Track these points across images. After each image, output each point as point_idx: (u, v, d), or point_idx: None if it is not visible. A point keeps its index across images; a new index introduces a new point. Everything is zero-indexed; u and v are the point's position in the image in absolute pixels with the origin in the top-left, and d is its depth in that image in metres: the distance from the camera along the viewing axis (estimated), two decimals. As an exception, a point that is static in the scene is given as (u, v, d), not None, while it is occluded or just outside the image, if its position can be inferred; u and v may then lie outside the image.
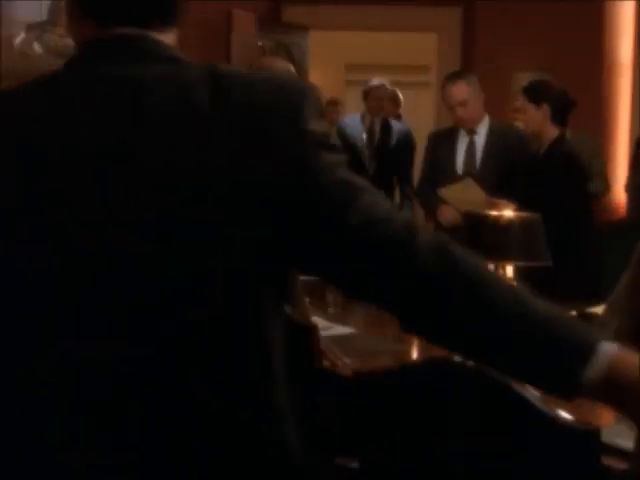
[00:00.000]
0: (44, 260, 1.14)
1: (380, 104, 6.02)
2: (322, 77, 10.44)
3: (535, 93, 4.29)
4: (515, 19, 6.54)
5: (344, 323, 3.23)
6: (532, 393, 1.36)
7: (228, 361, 1.17)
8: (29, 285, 1.15)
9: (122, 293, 1.14)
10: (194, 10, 5.28)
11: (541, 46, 6.39)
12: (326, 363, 2.56)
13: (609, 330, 1.38)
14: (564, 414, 1.32)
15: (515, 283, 3.37)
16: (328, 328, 3.15)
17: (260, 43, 5.90)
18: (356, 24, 7.25)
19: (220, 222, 1.14)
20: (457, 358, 1.45)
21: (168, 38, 1.29)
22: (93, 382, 1.15)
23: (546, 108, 4.16)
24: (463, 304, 1.13)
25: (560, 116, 4.21)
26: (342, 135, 5.96)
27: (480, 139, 4.41)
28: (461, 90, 4.35)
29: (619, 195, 6.28)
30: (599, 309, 2.56)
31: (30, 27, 5.64)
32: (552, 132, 4.21)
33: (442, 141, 4.52)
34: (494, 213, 3.35)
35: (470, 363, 1.44)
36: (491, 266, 3.29)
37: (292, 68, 3.12)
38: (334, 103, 9.73)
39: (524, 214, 3.42)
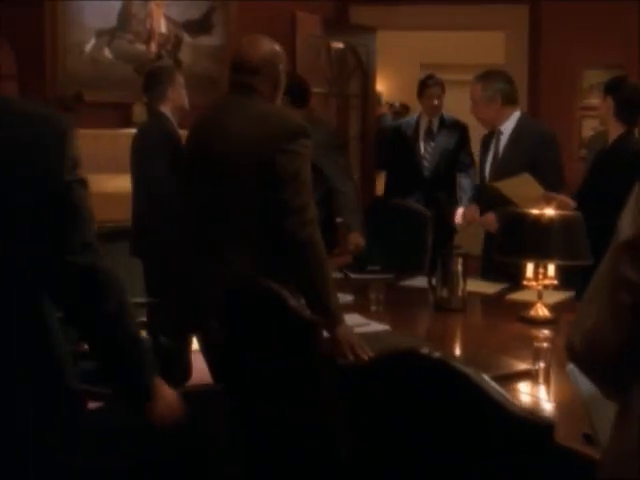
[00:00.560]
0: None
1: (435, 103, 5.88)
2: (397, 77, 10.49)
3: (605, 87, 4.25)
4: (583, 16, 6.44)
5: (384, 321, 3.26)
6: (490, 384, 1.38)
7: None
8: None
9: None
10: (258, 13, 5.40)
11: (610, 43, 6.27)
12: (351, 357, 2.61)
13: (581, 330, 1.38)
14: (519, 405, 1.33)
15: (556, 281, 3.38)
16: (364, 325, 3.18)
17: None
18: (424, 24, 7.24)
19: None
20: (424, 350, 1.48)
21: None
22: None
23: (610, 102, 4.08)
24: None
25: (626, 112, 4.10)
26: (402, 138, 5.91)
27: (504, 139, 4.43)
28: (475, 91, 4.37)
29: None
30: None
31: (100, 33, 5.83)
32: (617, 128, 4.13)
33: (485, 142, 4.57)
34: (534, 212, 3.32)
35: (435, 354, 1.46)
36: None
37: (276, 47, 3.12)
38: (405, 108, 9.74)
39: (565, 213, 3.38)
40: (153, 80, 4.44)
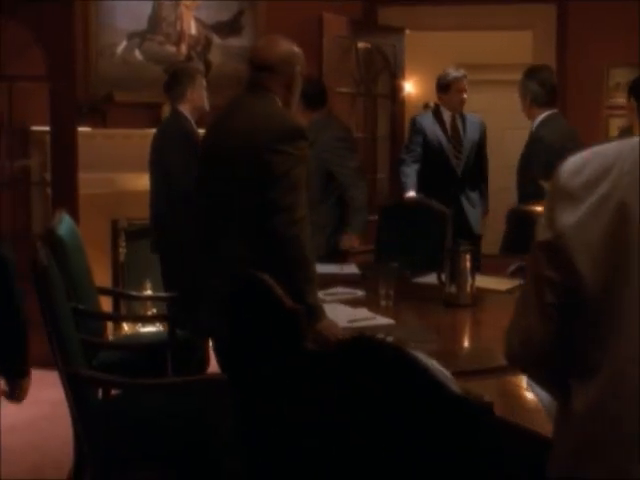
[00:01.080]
0: None
1: (462, 97, 5.75)
2: (432, 77, 10.50)
3: (628, 87, 4.29)
4: (609, 15, 6.43)
5: (392, 316, 3.34)
6: (436, 367, 1.46)
7: None
8: None
9: None
10: (286, 14, 5.51)
11: (636, 41, 6.25)
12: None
13: (516, 331, 1.42)
14: (459, 387, 1.41)
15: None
16: (370, 319, 3.27)
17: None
18: (452, 24, 7.27)
19: None
20: (380, 335, 1.56)
21: None
22: None
23: (633, 102, 4.10)
24: None
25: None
26: (423, 135, 5.88)
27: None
28: None
29: None
30: None
31: (131, 35, 5.99)
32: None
33: None
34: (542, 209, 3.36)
35: (389, 339, 1.55)
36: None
37: (294, 48, 3.19)
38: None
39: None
40: (174, 80, 4.57)
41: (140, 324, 5.70)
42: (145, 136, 5.83)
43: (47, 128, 5.48)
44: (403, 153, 5.95)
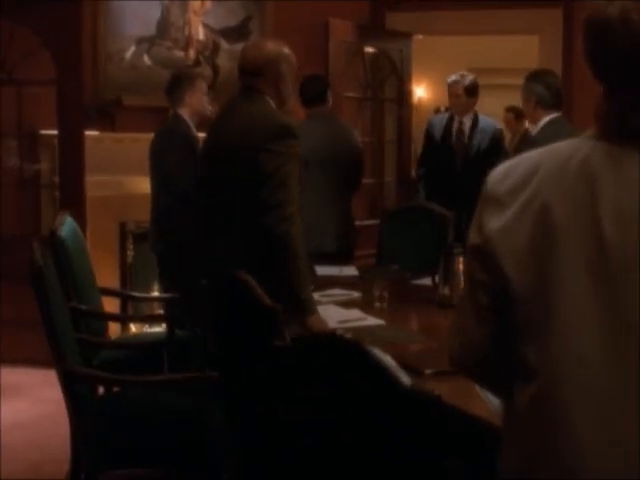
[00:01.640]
0: None
1: (452, 101, 5.82)
2: (444, 81, 10.55)
3: None
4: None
5: (385, 317, 3.39)
6: (390, 362, 1.51)
7: None
8: None
9: None
10: (292, 19, 5.58)
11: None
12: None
13: (456, 335, 1.45)
14: (406, 380, 1.46)
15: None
16: (362, 319, 3.32)
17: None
18: (460, 29, 7.32)
19: None
20: (339, 331, 1.61)
21: None
22: None
23: None
24: None
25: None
26: (429, 136, 5.94)
27: None
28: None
29: None
30: None
31: (140, 41, 6.07)
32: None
33: None
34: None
35: (347, 336, 1.60)
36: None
37: (286, 51, 3.29)
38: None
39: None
40: (173, 84, 4.65)
41: (147, 325, 5.77)
42: (153, 140, 5.94)
43: (56, 132, 5.57)
44: (419, 168, 6.04)
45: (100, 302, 4.15)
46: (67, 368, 2.91)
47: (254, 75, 3.23)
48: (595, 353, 1.25)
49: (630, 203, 1.24)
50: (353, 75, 6.65)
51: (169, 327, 3.88)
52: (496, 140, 5.86)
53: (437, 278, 3.68)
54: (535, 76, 4.73)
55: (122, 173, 5.84)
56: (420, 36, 7.73)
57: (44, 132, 5.89)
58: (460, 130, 5.83)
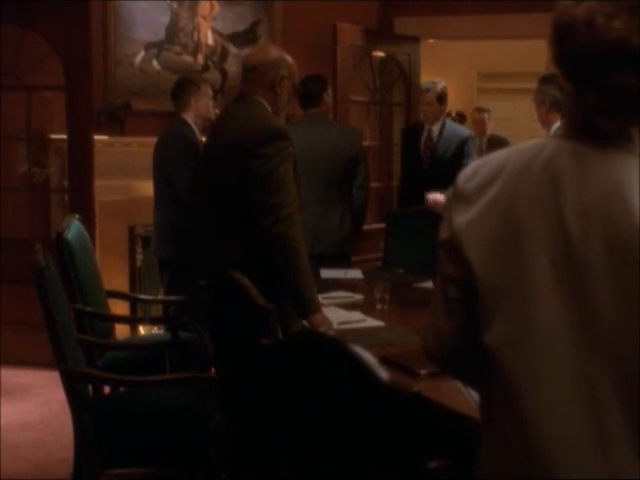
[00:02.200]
0: None
1: (423, 109, 5.76)
2: (453, 86, 10.56)
3: None
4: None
5: (386, 318, 3.42)
6: (370, 359, 1.53)
7: None
8: None
9: None
10: (300, 24, 5.61)
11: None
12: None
13: (431, 329, 1.47)
14: (390, 376, 1.48)
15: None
16: (361, 321, 3.35)
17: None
18: (469, 33, 7.32)
19: None
20: (321, 329, 1.64)
21: None
22: None
23: None
24: None
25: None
26: (403, 145, 5.99)
27: None
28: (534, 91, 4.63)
29: None
30: None
31: (149, 46, 6.12)
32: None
33: None
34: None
35: (330, 333, 1.63)
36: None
37: (290, 60, 3.32)
38: (462, 117, 9.83)
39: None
40: (179, 89, 4.70)
41: (155, 327, 5.81)
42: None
43: (65, 136, 5.63)
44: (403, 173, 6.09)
45: (106, 304, 4.20)
46: (68, 368, 2.95)
47: (251, 72, 3.27)
48: (561, 342, 1.27)
49: (593, 201, 1.26)
50: (361, 79, 6.67)
51: (171, 329, 3.91)
52: (461, 148, 5.75)
53: (438, 280, 3.70)
54: (549, 79, 4.73)
55: (131, 177, 5.89)
56: (431, 40, 7.75)
57: (54, 137, 5.95)
58: (429, 138, 5.79)
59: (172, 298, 4.45)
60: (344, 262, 4.87)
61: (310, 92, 4.83)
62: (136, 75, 6.09)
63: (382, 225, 5.71)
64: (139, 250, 6.12)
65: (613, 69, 1.27)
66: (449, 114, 10.25)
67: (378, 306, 3.65)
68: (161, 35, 6.17)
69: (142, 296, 5.27)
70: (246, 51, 6.47)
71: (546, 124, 4.73)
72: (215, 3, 6.37)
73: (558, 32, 1.32)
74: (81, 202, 5.45)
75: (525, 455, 1.30)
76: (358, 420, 1.55)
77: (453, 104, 10.36)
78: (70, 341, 3.06)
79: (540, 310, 1.28)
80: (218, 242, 3.24)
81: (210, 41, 6.39)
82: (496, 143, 7.05)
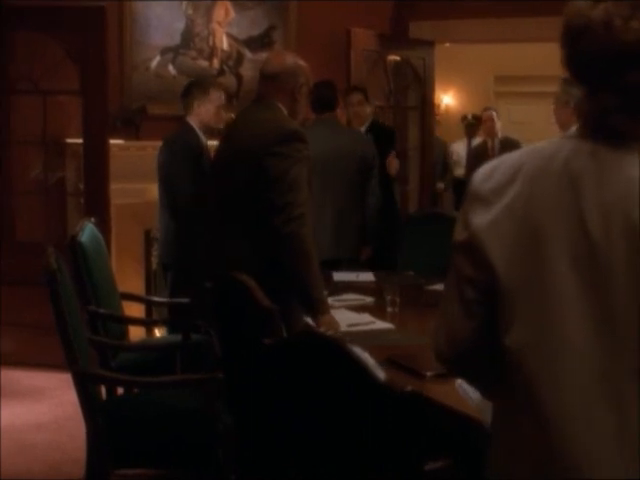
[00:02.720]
0: None
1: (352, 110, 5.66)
2: (470, 89, 10.56)
3: None
4: None
5: (397, 320, 3.44)
6: (369, 361, 1.55)
7: None
8: None
9: None
10: (315, 29, 5.63)
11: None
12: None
13: (443, 331, 1.46)
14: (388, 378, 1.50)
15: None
16: (370, 323, 3.37)
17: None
18: (486, 37, 7.33)
19: None
20: (321, 330, 1.66)
21: None
22: None
23: None
24: None
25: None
26: None
27: None
28: (557, 92, 4.60)
29: None
30: None
31: (165, 51, 6.18)
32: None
33: None
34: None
35: (328, 334, 1.65)
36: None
37: (300, 62, 3.36)
38: (478, 120, 9.79)
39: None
40: (186, 90, 4.71)
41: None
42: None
43: (81, 141, 5.69)
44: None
45: (120, 306, 4.23)
46: (79, 369, 2.99)
47: (270, 80, 3.30)
48: (584, 343, 1.27)
49: (613, 202, 1.27)
50: (376, 83, 6.70)
51: (182, 331, 3.94)
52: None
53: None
54: (572, 80, 4.73)
55: (146, 181, 5.93)
56: (447, 44, 7.76)
57: (70, 141, 6.00)
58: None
59: (181, 301, 4.48)
60: (361, 266, 4.89)
61: (323, 97, 4.86)
62: (152, 80, 6.15)
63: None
64: (154, 253, 6.17)
65: (628, 69, 1.27)
66: (465, 117, 10.24)
67: (389, 309, 3.67)
68: (177, 40, 6.23)
69: (155, 298, 5.30)
70: (261, 56, 6.53)
71: (567, 126, 4.73)
72: (230, 9, 6.41)
73: (571, 33, 1.32)
74: (97, 205, 5.51)
75: (547, 458, 1.30)
76: (358, 420, 1.58)
77: (470, 107, 10.36)
78: (81, 343, 3.10)
79: (562, 312, 1.28)
80: (226, 244, 3.27)
81: (225, 46, 6.44)
82: (508, 145, 7.07)
